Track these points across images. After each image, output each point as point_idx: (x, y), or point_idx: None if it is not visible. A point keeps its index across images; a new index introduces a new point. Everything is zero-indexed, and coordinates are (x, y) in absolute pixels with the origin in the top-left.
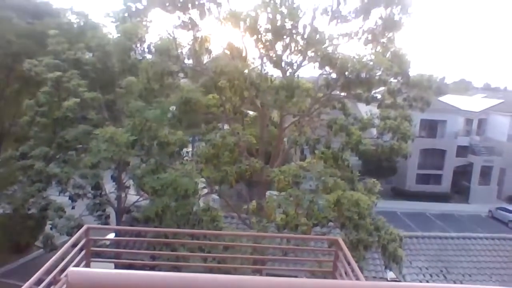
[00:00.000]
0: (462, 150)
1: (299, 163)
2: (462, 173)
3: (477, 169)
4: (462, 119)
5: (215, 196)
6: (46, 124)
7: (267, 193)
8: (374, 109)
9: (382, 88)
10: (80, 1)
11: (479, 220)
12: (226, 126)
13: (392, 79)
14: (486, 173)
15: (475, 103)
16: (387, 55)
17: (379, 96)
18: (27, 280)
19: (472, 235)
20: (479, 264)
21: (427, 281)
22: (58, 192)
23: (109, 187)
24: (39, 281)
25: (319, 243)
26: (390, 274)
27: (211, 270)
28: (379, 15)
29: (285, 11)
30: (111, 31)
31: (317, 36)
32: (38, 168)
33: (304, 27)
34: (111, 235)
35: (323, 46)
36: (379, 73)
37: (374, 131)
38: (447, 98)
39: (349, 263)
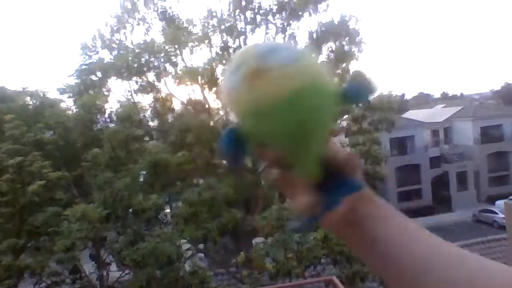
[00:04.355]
0: (435, 161)
1: (280, 205)
2: (440, 183)
3: (453, 176)
4: (429, 131)
5: (202, 254)
6: (12, 213)
7: (254, 241)
8: (342, 138)
9: (346, 116)
10: (34, 80)
11: (466, 226)
12: (201, 181)
13: (353, 107)
14: (462, 178)
15: (437, 114)
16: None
17: (345, 125)
18: None
19: (464, 243)
20: None
21: None
22: (33, 285)
23: (88, 267)
24: None
25: (317, 284)
26: None
27: None
28: (330, 49)
29: None
30: (69, 105)
31: None
32: (6, 263)
33: None
34: None
35: None
36: None
37: None
38: (410, 114)
39: None
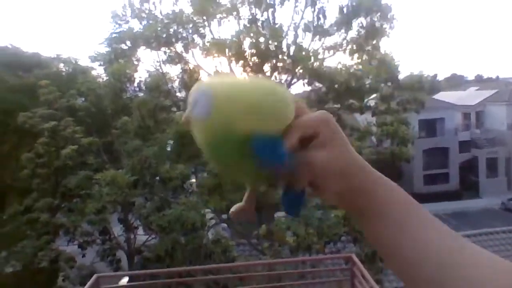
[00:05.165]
0: (465, 145)
1: None
2: (469, 168)
3: (483, 162)
4: (460, 114)
5: (225, 225)
6: (48, 175)
7: (276, 215)
8: (370, 117)
9: (374, 95)
10: (66, 47)
11: (493, 214)
12: None
13: (382, 85)
14: (492, 165)
15: (470, 97)
16: (374, 63)
17: (373, 104)
18: None
19: (489, 231)
20: None
21: None
22: (67, 242)
23: (117, 230)
24: None
25: (336, 261)
26: None
27: None
28: (360, 24)
29: (267, 33)
30: (100, 73)
31: (303, 53)
32: (44, 220)
33: (288, 46)
34: (125, 280)
35: (309, 62)
36: (368, 81)
37: (374, 139)
38: (441, 95)
39: (366, 280)
